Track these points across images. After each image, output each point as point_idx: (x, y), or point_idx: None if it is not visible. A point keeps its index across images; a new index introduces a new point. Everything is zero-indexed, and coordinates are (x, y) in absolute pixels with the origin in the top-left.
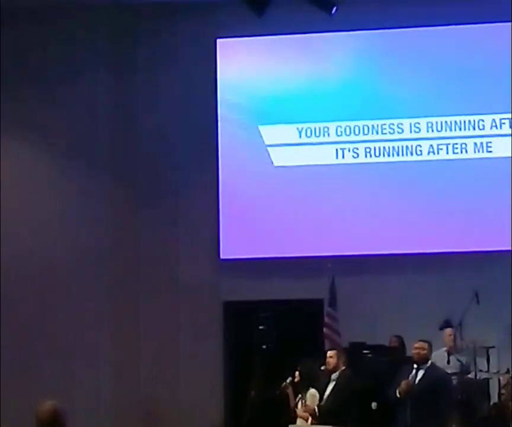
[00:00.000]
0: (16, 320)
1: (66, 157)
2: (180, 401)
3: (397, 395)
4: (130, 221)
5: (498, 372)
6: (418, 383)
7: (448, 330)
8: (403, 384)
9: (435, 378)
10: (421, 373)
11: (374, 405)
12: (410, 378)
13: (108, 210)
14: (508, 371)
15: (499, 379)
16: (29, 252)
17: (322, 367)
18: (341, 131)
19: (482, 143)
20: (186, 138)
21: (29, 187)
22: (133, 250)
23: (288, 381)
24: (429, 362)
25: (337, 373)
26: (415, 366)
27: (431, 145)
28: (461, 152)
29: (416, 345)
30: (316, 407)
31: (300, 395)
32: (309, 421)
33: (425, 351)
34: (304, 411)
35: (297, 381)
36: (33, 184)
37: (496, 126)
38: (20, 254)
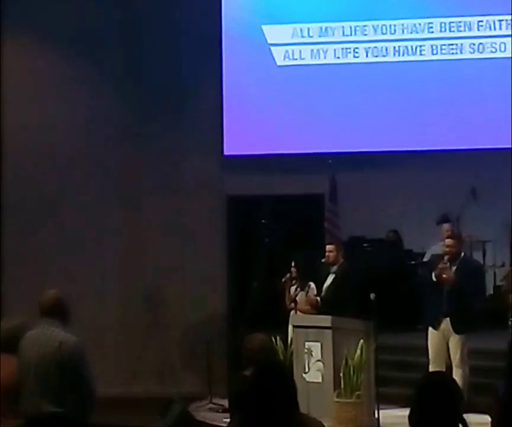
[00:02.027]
0: (22, 207)
1: (70, 52)
2: (183, 292)
3: (434, 279)
4: (135, 118)
5: (493, 265)
6: (454, 273)
7: (446, 225)
8: (440, 266)
9: (471, 269)
10: (454, 267)
11: (372, 296)
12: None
13: (113, 106)
14: (503, 265)
15: (494, 272)
16: (37, 147)
17: (322, 260)
18: (343, 32)
19: (481, 44)
20: (190, 37)
21: (33, 84)
22: (138, 146)
23: (287, 276)
24: (462, 255)
25: (336, 266)
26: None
27: (432, 45)
28: (461, 52)
29: (447, 243)
30: (318, 298)
31: (298, 289)
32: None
33: (454, 248)
34: (306, 302)
35: (295, 275)
36: (37, 81)
37: (494, 28)
38: (27, 149)
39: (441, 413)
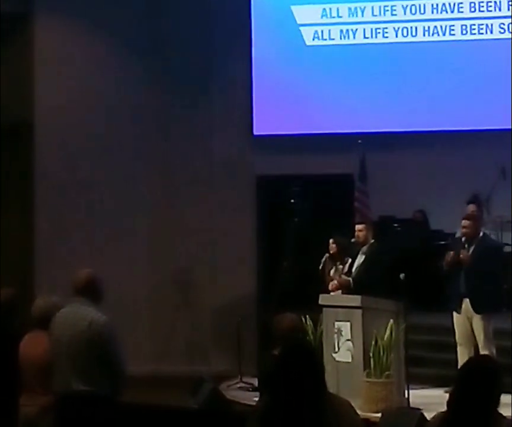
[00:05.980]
0: (55, 188)
1: (100, 31)
2: (214, 272)
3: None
4: (164, 98)
5: None
6: (471, 253)
7: (471, 206)
8: (447, 256)
9: (489, 249)
10: (472, 247)
11: (402, 276)
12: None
13: (142, 86)
14: None
15: None
16: (68, 127)
17: (352, 240)
18: (372, 12)
19: (509, 24)
20: (220, 17)
21: (64, 64)
22: (167, 126)
23: (327, 255)
24: (481, 234)
25: (366, 246)
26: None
27: (462, 25)
28: (491, 32)
29: (463, 224)
30: (350, 279)
31: (337, 267)
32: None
33: (470, 229)
34: (339, 283)
35: (333, 253)
36: (67, 61)
37: None
38: (58, 125)
39: (482, 399)
